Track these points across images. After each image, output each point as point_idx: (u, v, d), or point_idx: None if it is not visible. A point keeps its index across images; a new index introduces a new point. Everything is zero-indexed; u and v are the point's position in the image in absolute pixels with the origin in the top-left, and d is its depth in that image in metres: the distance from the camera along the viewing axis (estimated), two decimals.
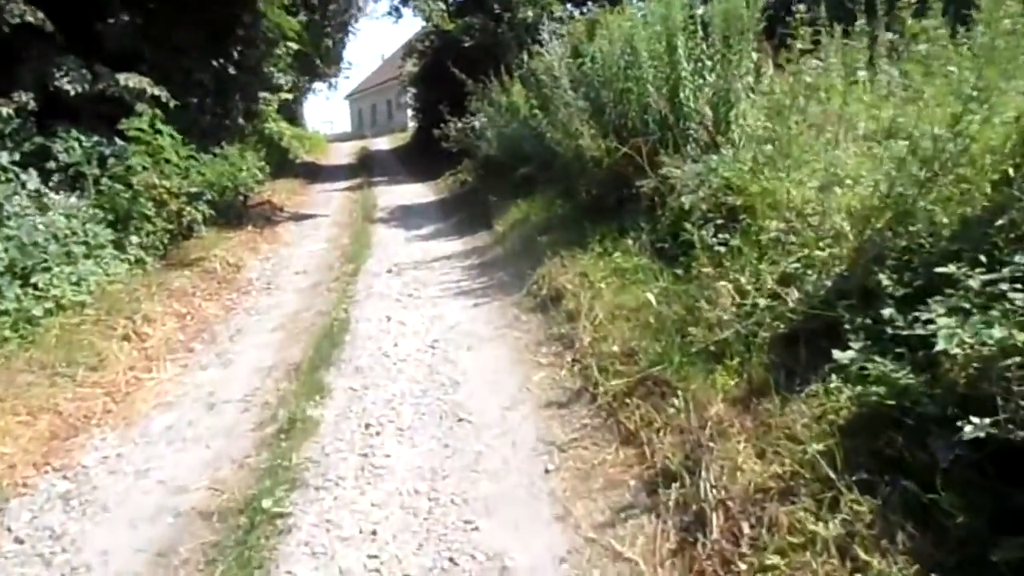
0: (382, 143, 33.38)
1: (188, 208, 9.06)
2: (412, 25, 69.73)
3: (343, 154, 28.86)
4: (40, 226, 6.82)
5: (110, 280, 7.11)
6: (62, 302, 6.20)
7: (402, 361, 5.42)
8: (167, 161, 8.80)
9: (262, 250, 9.79)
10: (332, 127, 54.74)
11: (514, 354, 5.33)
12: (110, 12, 10.21)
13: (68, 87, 8.74)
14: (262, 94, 13.66)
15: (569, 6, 18.72)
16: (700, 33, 7.00)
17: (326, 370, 5.29)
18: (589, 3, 17.94)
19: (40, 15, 8.72)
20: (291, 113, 35.83)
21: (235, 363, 5.72)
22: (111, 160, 8.52)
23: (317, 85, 33.75)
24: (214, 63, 11.56)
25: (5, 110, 8.52)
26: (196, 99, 11.10)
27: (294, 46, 13.53)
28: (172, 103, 9.46)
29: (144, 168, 8.48)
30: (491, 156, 11.78)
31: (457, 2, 21.41)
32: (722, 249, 5.16)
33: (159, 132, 8.74)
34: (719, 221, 5.47)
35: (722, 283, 4.62)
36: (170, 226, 8.81)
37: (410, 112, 28.45)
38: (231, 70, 11.98)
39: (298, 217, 12.49)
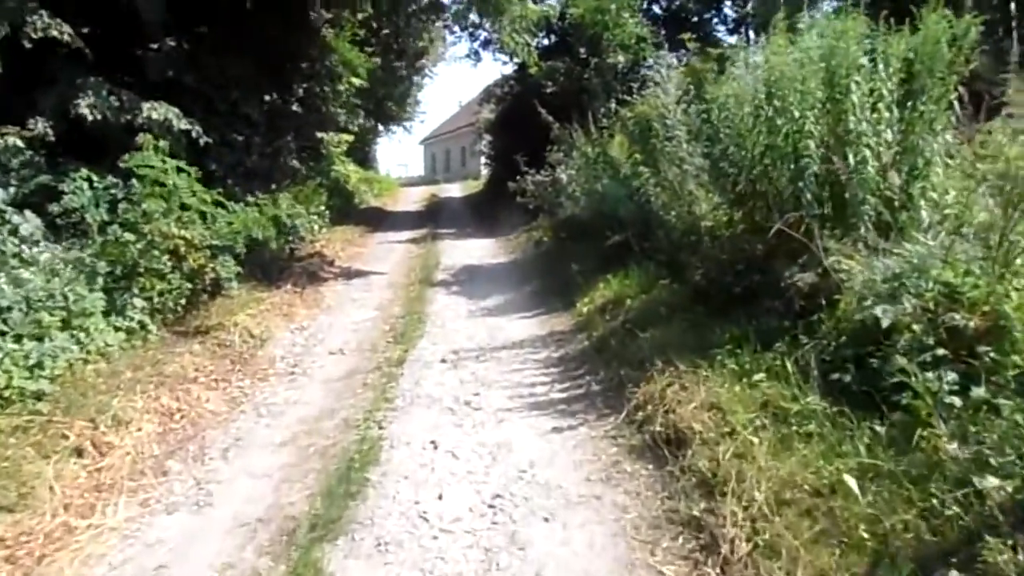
0: (454, 190, 32.23)
1: (212, 264, 7.57)
2: (491, 72, 69.74)
3: (412, 200, 27.72)
4: (5, 286, 5.36)
5: (89, 358, 5.58)
6: (5, 394, 4.65)
7: (446, 532, 3.60)
8: (184, 207, 7.33)
9: (297, 317, 8.21)
10: (407, 170, 54.69)
11: (617, 541, 3.45)
12: (155, 36, 9.02)
13: (87, 112, 7.43)
14: (323, 135, 12.29)
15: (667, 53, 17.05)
16: (882, 73, 5.14)
17: (332, 543, 3.52)
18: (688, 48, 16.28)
19: (67, 30, 7.50)
20: (363, 155, 35.34)
21: (213, 506, 4.02)
22: (123, 204, 7.10)
23: (391, 128, 33.15)
24: (267, 97, 10.24)
25: (11, 139, 7.26)
26: (243, 136, 9.76)
27: (357, 81, 12.22)
28: (203, 139, 8.08)
29: (161, 214, 7.03)
30: (575, 216, 10.02)
31: (540, 46, 20.09)
32: (957, 401, 3.27)
33: (176, 170, 7.25)
34: (940, 351, 3.56)
35: (990, 480, 2.72)
36: (189, 285, 7.32)
37: (484, 160, 27.17)
38: (287, 106, 10.66)
39: (350, 274, 10.95)
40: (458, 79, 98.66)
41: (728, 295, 5.82)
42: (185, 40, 9.36)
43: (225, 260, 7.81)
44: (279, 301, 8.55)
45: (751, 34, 19.91)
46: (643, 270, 7.69)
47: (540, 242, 12.77)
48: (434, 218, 20.30)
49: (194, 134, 8.01)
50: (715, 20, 19.99)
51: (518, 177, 12.34)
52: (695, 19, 19.12)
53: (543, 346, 6.84)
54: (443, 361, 6.48)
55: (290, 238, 11.03)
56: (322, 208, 16.09)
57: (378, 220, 19.76)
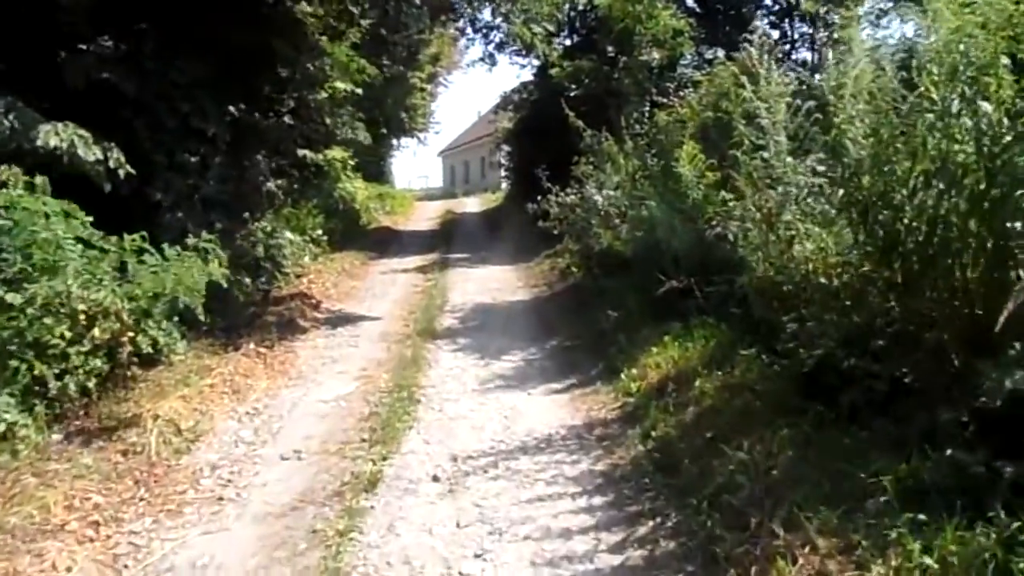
0: (472, 204, 30.30)
1: (137, 330, 5.64)
2: (509, 80, 67.96)
3: (426, 216, 25.81)
4: None
5: None
6: None
7: None
8: (90, 256, 5.41)
9: (252, 394, 6.25)
10: (427, 182, 53.00)
11: None
12: (81, 34, 7.18)
13: None
14: (307, 152, 10.36)
15: (709, 47, 15.01)
16: None
17: None
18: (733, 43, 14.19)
19: None
20: (377, 170, 33.59)
21: None
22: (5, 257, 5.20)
23: (405, 140, 31.39)
24: (231, 109, 8.34)
25: None
26: (198, 156, 7.87)
27: (343, 86, 10.28)
28: (124, 169, 6.18)
29: (48, 270, 5.13)
30: (613, 249, 7.95)
31: (562, 47, 18.14)
32: None
33: (64, 214, 5.32)
34: None
35: None
36: (101, 362, 5.40)
37: (503, 172, 25.25)
38: (258, 119, 8.76)
39: (336, 320, 8.99)
40: (476, 88, 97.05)
41: (865, 392, 3.77)
42: (122, 39, 7.50)
43: (159, 322, 5.88)
44: (233, 369, 6.60)
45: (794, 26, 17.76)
46: (712, 330, 5.65)
47: (567, 272, 10.74)
48: (447, 239, 18.34)
49: (112, 163, 6.09)
50: (757, 11, 17.82)
51: (539, 197, 10.31)
52: (732, 11, 16.96)
53: (580, 449, 4.80)
54: (435, 479, 4.47)
55: (263, 279, 9.10)
56: (318, 233, 14.30)
57: (385, 243, 17.86)
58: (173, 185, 7.70)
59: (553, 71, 14.61)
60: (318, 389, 6.42)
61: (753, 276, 5.08)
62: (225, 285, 7.33)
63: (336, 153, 11.00)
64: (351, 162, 20.72)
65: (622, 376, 5.80)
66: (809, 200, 4.43)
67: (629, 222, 7.23)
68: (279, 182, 11.08)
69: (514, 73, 30.87)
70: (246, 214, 9.29)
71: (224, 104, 8.30)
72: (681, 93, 14.00)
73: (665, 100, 13.90)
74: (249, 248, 9.21)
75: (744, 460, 3.70)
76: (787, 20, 17.74)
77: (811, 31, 17.89)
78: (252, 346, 7.34)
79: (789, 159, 4.45)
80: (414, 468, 4.64)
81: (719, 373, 4.94)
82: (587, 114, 14.78)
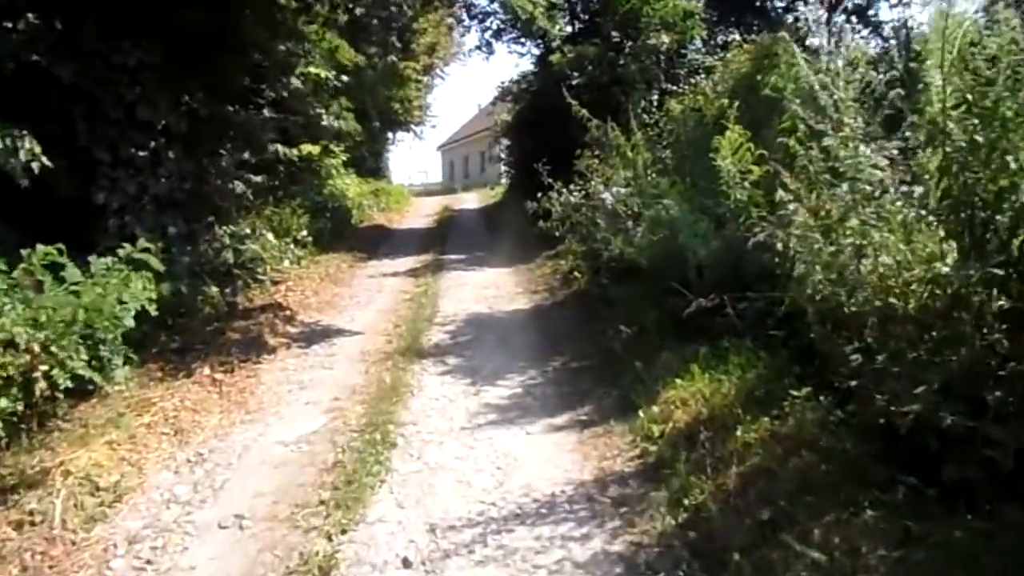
0: (470, 200, 29.26)
1: (52, 365, 4.65)
2: (508, 71, 66.85)
3: (423, 213, 24.78)
4: None
5: None
6: None
7: None
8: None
9: (197, 435, 5.24)
10: (427, 177, 52.00)
11: None
12: (3, 13, 6.20)
13: None
14: (278, 146, 9.30)
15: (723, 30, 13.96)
16: None
17: None
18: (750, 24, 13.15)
19: None
20: (374, 164, 32.56)
21: None
22: None
23: (401, 134, 30.38)
24: (185, 98, 7.33)
25: None
26: (147, 151, 6.87)
27: (314, 71, 9.20)
28: (39, 162, 5.19)
29: None
30: (625, 256, 6.91)
31: (563, 34, 17.09)
32: None
33: None
34: None
35: None
36: (7, 404, 4.41)
37: (502, 167, 24.23)
38: (218, 109, 7.75)
39: (312, 335, 7.98)
40: (476, 81, 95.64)
41: (982, 464, 2.77)
42: (57, 17, 6.50)
43: (78, 351, 4.88)
44: (180, 402, 5.61)
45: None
46: (749, 357, 4.65)
47: (570, 278, 9.72)
48: (443, 238, 17.31)
49: (23, 154, 5.08)
50: None
51: (539, 195, 9.27)
52: None
53: (591, 518, 3.80)
54: (406, 564, 3.48)
55: (228, 290, 8.10)
56: (303, 234, 13.32)
57: (377, 242, 16.83)
58: (119, 184, 6.70)
59: (554, 58, 13.58)
60: (279, 426, 5.42)
61: (805, 293, 4.06)
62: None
63: (314, 148, 9.86)
64: (343, 157, 19.78)
65: (640, 413, 4.79)
66: (887, 200, 3.41)
67: (644, 224, 6.19)
68: (258, 179, 10.08)
69: (512, 63, 30.06)
70: (211, 217, 8.28)
71: (179, 92, 7.28)
72: (693, 80, 13.01)
73: (675, 88, 12.91)
74: (213, 255, 8.21)
75: (820, 562, 2.70)
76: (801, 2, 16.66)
77: (826, 14, 16.82)
78: (207, 371, 6.34)
79: (863, 147, 3.44)
80: (380, 545, 3.64)
81: (765, 419, 3.93)
82: (591, 104, 13.72)
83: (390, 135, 29.68)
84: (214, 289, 8.29)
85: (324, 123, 13.71)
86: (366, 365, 6.84)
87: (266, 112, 9.69)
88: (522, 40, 18.34)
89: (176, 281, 7.11)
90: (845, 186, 3.60)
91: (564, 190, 9.18)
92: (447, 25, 24.39)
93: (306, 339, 7.78)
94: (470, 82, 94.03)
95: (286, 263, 11.13)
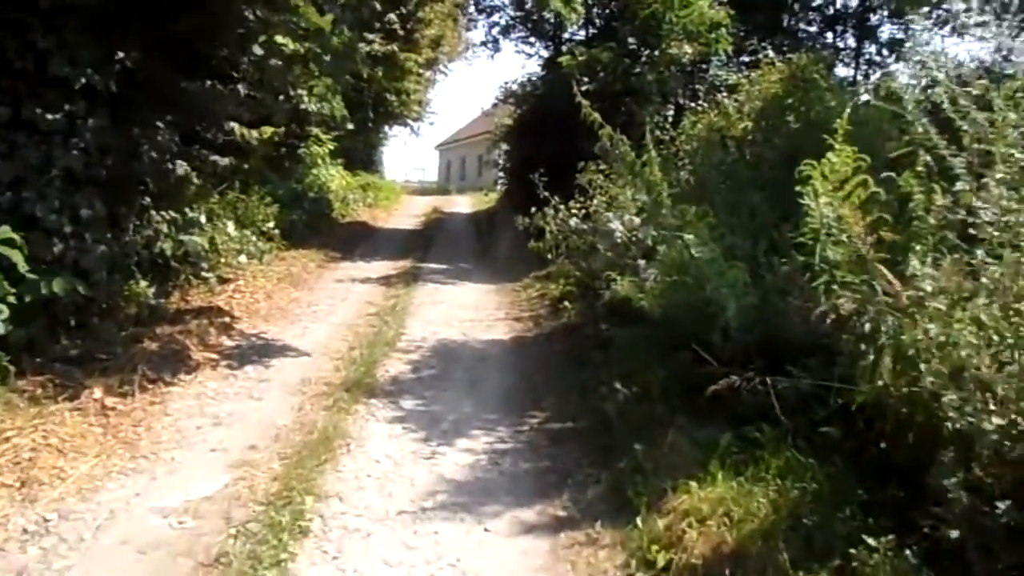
0: (462, 204, 28.06)
1: None
2: (516, 73, 65.92)
3: (411, 213, 23.54)
4: None
5: None
6: None
7: None
8: None
9: (54, 489, 3.96)
10: (423, 175, 50.87)
11: None
12: None
13: None
14: (236, 125, 7.97)
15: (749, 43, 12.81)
16: None
17: None
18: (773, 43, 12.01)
19: None
20: (366, 157, 31.31)
21: None
22: None
23: (397, 128, 29.13)
24: (120, 55, 6.08)
25: None
26: (60, 114, 5.60)
27: (281, 40, 7.89)
28: None
29: None
30: (632, 303, 5.66)
31: (572, 39, 15.97)
32: None
33: None
34: None
35: None
36: None
37: (499, 173, 23.04)
38: (162, 73, 6.50)
39: (247, 352, 6.71)
40: (480, 82, 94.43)
41: None
42: None
43: None
44: (43, 438, 4.34)
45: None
46: (790, 460, 3.45)
47: (560, 307, 8.49)
48: (427, 242, 16.07)
49: None
50: (797, 6, 15.51)
51: (533, 210, 8.04)
52: (772, 8, 14.76)
53: None
54: None
55: (153, 288, 6.84)
56: (269, 226, 12.06)
57: (355, 241, 15.57)
58: (18, 151, 5.43)
59: (564, 59, 12.40)
60: (166, 482, 4.16)
61: (893, 390, 2.87)
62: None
63: (271, 131, 8.59)
64: (329, 146, 18.54)
65: (638, 522, 3.58)
66: None
67: (658, 264, 4.94)
68: (221, 160, 8.82)
69: (518, 66, 29.10)
70: (145, 199, 7.00)
71: (111, 47, 6.02)
72: (714, 97, 11.89)
73: (693, 104, 11.79)
74: (143, 244, 6.93)
75: None
76: (834, 29, 15.61)
77: (857, 43, 15.76)
78: (98, 393, 5.07)
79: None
80: None
81: (823, 574, 2.72)
82: (600, 114, 12.62)
83: (386, 128, 28.37)
84: (143, 284, 7.05)
85: (304, 106, 12.59)
86: (302, 399, 5.58)
87: (240, 88, 8.49)
88: (531, 40, 17.24)
89: (88, 274, 5.87)
90: (981, 252, 2.41)
91: (562, 207, 7.96)
92: (454, 18, 23.19)
93: (240, 356, 6.51)
94: (474, 83, 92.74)
95: (242, 258, 9.86)
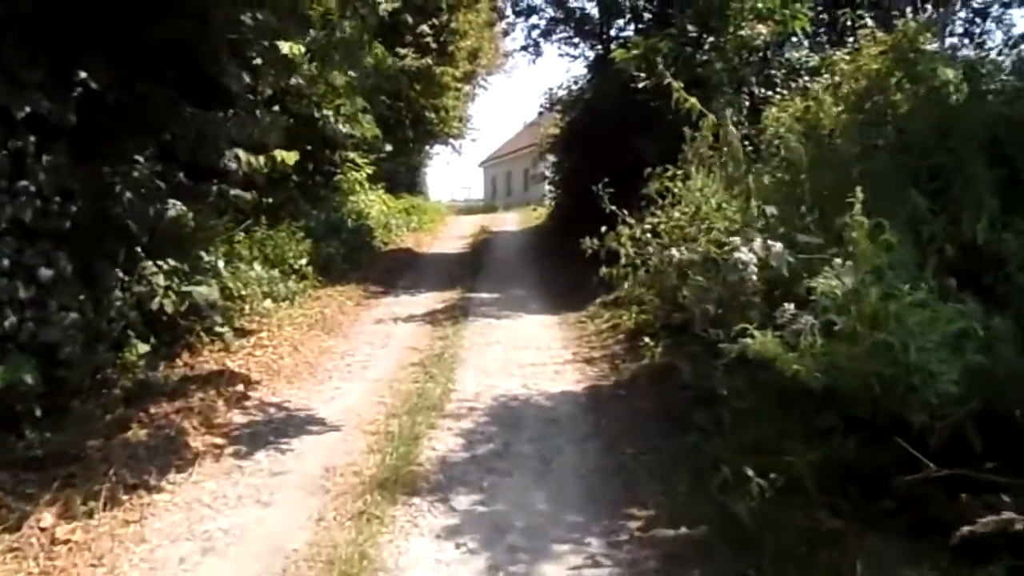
0: (510, 221, 26.75)
1: None
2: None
3: (457, 234, 22.33)
4: None
5: None
6: None
7: None
8: None
9: None
10: (469, 193, 50.11)
11: None
12: None
13: None
14: (240, 151, 6.74)
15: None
16: None
17: None
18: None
19: None
20: (409, 180, 30.37)
21: None
22: None
23: (438, 148, 28.06)
24: (82, 75, 4.90)
25: None
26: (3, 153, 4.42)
27: (287, 47, 6.67)
28: None
29: None
30: (784, 367, 4.13)
31: (619, 36, 14.53)
32: None
33: None
34: None
35: None
36: None
37: (547, 186, 21.69)
38: (141, 94, 5.31)
39: (259, 432, 5.40)
40: (521, 94, 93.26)
41: None
42: None
43: None
44: None
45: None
46: None
47: (639, 342, 7.02)
48: (475, 267, 14.74)
49: None
50: None
51: (604, 229, 6.59)
52: None
53: None
54: None
55: (162, 350, 5.64)
56: (301, 263, 10.90)
57: (398, 271, 14.36)
58: None
59: (617, 53, 10.96)
60: None
61: None
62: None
63: (289, 156, 7.33)
64: (368, 170, 17.46)
65: None
66: None
67: (827, 313, 3.34)
68: (238, 193, 7.70)
69: (562, 70, 27.91)
70: (136, 249, 5.81)
71: (69, 63, 4.84)
72: (793, 83, 10.32)
73: (770, 93, 10.24)
74: (131, 305, 5.73)
75: None
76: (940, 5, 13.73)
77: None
78: (50, 518, 3.80)
79: None
80: None
81: None
82: (660, 112, 11.17)
83: (427, 148, 27.28)
84: (140, 350, 5.86)
85: (331, 126, 11.44)
86: (323, 502, 4.24)
87: (256, 112, 7.33)
88: (574, 40, 15.85)
89: (55, 350, 4.69)
90: None
91: (639, 225, 6.51)
92: (490, 23, 21.98)
93: (251, 438, 5.22)
94: (515, 95, 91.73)
95: (267, 303, 8.68)
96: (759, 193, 5.41)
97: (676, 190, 7.26)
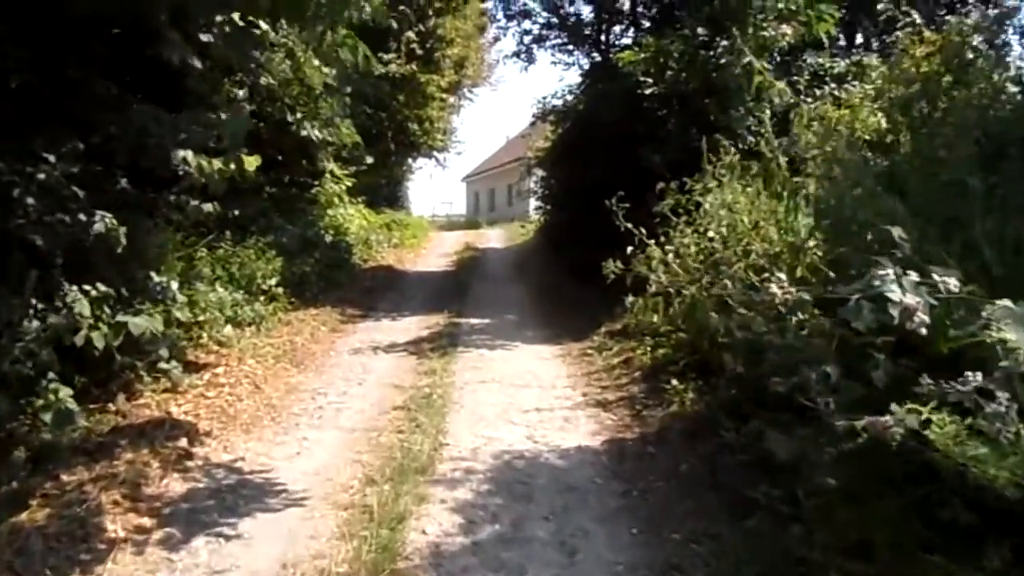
0: (495, 238, 25.75)
1: None
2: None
3: (441, 251, 21.27)
4: None
5: None
6: None
7: None
8: None
9: None
10: (451, 208, 49.17)
11: None
12: None
13: None
14: (187, 154, 5.63)
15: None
16: None
17: None
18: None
19: None
20: (391, 193, 29.31)
21: None
22: None
23: (421, 161, 27.00)
24: None
25: None
26: None
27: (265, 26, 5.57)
28: None
29: None
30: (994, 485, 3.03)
31: (616, 42, 13.65)
32: None
33: None
34: None
35: None
36: None
37: (534, 203, 20.69)
38: (62, 84, 4.21)
39: (210, 505, 4.27)
40: (506, 109, 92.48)
41: None
42: None
43: None
44: None
45: None
46: None
47: (661, 385, 5.98)
48: (462, 287, 13.65)
49: None
50: None
51: (631, 250, 5.54)
52: None
53: None
54: None
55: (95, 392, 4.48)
56: (271, 283, 9.77)
57: (379, 290, 13.28)
58: None
59: (625, 54, 9.98)
60: None
61: None
62: None
63: (251, 160, 6.20)
64: (347, 182, 16.35)
65: None
66: None
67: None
68: (196, 204, 6.62)
69: (554, 80, 26.80)
70: (53, 271, 4.68)
71: None
72: (817, 90, 9.42)
73: (792, 100, 9.32)
74: (46, 340, 4.58)
75: None
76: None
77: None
78: None
79: None
80: None
81: None
82: (667, 120, 10.25)
83: (409, 161, 26.20)
84: (61, 394, 4.70)
85: (306, 132, 10.35)
86: None
87: (217, 110, 6.25)
88: (568, 47, 14.91)
89: None
90: None
91: (674, 251, 5.48)
92: (480, 28, 21.06)
93: (188, 517, 4.07)
94: (500, 110, 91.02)
95: (228, 330, 7.54)
96: (830, 212, 4.41)
97: (706, 205, 6.25)
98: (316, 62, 9.63)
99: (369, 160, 18.08)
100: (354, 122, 15.17)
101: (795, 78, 9.45)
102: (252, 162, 5.49)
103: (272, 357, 7.45)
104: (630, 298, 5.51)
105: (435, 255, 20.68)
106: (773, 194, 6.39)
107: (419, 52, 18.43)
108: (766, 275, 4.65)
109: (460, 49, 21.42)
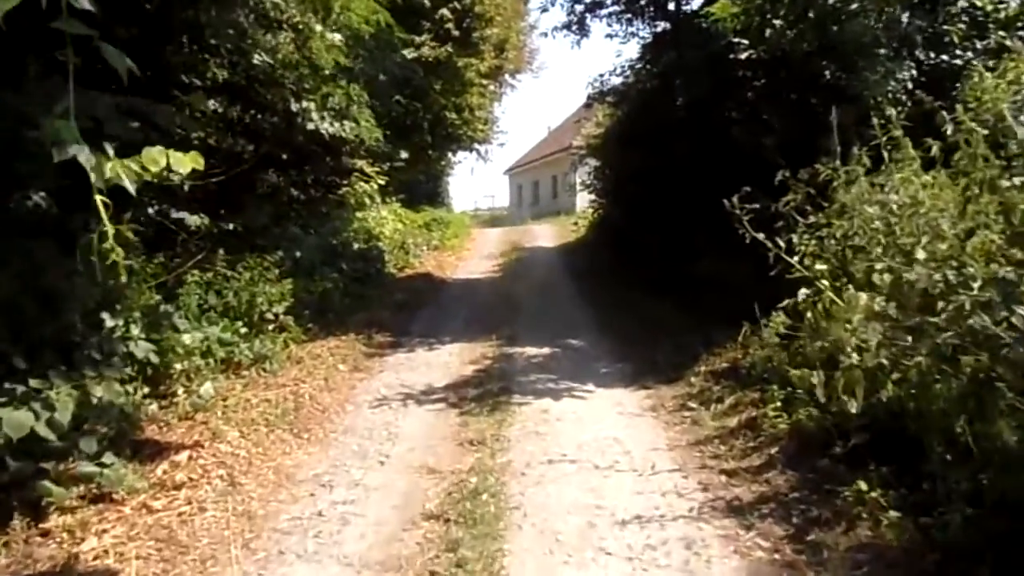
0: (544, 235, 23.68)
1: None
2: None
3: (485, 252, 19.34)
4: None
5: None
6: None
7: None
8: None
9: None
10: (493, 201, 47.65)
11: None
12: None
13: None
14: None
15: None
16: None
17: None
18: None
19: None
20: (431, 190, 27.54)
21: None
22: None
23: (462, 155, 25.03)
24: None
25: None
26: None
27: None
28: None
29: None
30: None
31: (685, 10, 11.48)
32: None
33: None
34: None
35: None
36: None
37: (588, 196, 18.58)
38: None
39: None
40: (548, 98, 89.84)
41: None
42: None
43: None
44: None
45: None
46: None
47: (815, 470, 3.91)
48: (513, 302, 11.62)
49: None
50: None
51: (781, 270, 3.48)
52: None
53: None
54: None
55: None
56: (277, 310, 7.93)
57: (414, 306, 11.38)
58: None
59: (716, 7, 7.79)
60: None
61: None
62: None
63: (125, 163, 4.35)
64: (379, 180, 14.47)
65: None
66: None
67: None
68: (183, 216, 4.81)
69: (605, 58, 24.78)
70: None
71: None
72: (977, 43, 7.19)
73: (944, 60, 7.12)
74: None
75: None
76: None
77: None
78: None
79: None
80: None
81: None
82: (770, 92, 8.12)
83: (449, 155, 24.25)
84: None
85: (312, 125, 8.42)
86: None
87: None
88: (628, 15, 12.75)
89: None
90: None
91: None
92: (517, 9, 18.99)
93: None
94: (542, 99, 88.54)
95: (207, 388, 5.67)
96: None
97: (881, 197, 4.14)
98: (328, 35, 7.70)
99: (404, 155, 16.25)
100: (387, 113, 13.33)
101: (944, 27, 7.21)
102: (187, 162, 3.55)
103: (265, 423, 5.56)
104: (814, 374, 3.41)
105: (478, 257, 18.75)
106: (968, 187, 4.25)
107: (455, 33, 16.47)
108: None
109: (500, 30, 19.37)
